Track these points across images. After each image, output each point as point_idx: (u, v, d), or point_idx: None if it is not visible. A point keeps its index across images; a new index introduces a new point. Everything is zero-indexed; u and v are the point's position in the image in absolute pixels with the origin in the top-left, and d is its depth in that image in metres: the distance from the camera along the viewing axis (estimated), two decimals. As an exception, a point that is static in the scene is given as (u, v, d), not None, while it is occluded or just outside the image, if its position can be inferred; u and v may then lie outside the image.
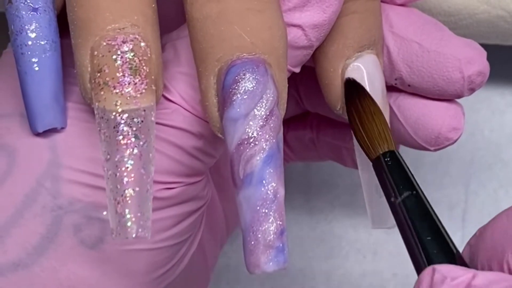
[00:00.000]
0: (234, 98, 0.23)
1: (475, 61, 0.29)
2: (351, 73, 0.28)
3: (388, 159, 0.26)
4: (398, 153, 0.26)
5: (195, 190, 0.27)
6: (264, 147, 0.23)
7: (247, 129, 0.23)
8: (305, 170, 0.42)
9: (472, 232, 0.41)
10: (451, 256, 0.24)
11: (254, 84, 0.23)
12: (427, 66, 0.29)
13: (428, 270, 0.23)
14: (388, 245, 0.41)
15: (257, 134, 0.23)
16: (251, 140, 0.23)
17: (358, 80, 0.28)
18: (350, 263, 0.41)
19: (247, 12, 0.24)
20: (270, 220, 0.23)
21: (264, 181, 0.23)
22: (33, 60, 0.25)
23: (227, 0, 0.24)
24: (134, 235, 0.22)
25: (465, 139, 0.42)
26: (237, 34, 0.24)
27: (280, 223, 0.23)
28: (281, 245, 0.23)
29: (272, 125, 0.23)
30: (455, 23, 0.37)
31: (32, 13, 0.25)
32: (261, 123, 0.23)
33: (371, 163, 0.27)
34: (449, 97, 0.29)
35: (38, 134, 0.26)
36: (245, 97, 0.23)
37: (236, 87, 0.23)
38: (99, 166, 0.23)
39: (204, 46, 0.24)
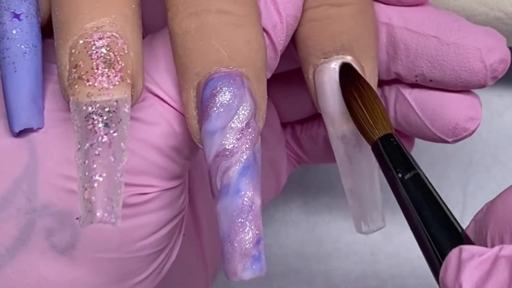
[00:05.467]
0: (211, 111, 0.24)
1: (495, 49, 0.29)
2: (317, 76, 0.28)
3: (393, 139, 0.26)
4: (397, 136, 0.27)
5: (170, 196, 0.27)
6: (240, 158, 0.23)
7: (223, 142, 0.24)
8: (303, 172, 0.42)
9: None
10: (456, 233, 0.25)
11: (230, 97, 0.24)
12: (448, 59, 0.29)
13: (455, 251, 0.23)
14: (385, 247, 0.41)
15: (233, 146, 0.24)
16: (227, 152, 0.23)
17: (322, 80, 0.28)
18: (348, 265, 0.41)
19: (225, 27, 0.24)
20: (246, 230, 0.23)
21: (240, 192, 0.23)
22: (12, 63, 0.26)
23: (206, 15, 0.24)
24: (99, 220, 0.22)
25: (463, 140, 0.42)
26: (215, 48, 0.24)
27: (257, 232, 0.23)
28: (257, 253, 0.23)
29: (248, 137, 0.24)
30: (453, 25, 0.37)
31: (14, 19, 0.26)
32: (238, 136, 0.24)
33: (345, 167, 0.27)
34: (472, 88, 0.29)
35: (18, 136, 0.26)
36: (221, 110, 0.24)
37: (213, 101, 0.24)
38: (75, 168, 0.24)
39: (184, 60, 0.24)
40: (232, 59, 0.24)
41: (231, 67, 0.24)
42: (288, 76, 0.34)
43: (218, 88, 0.24)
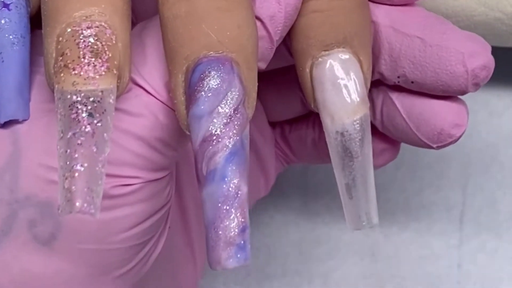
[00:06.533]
0: (199, 95, 0.23)
1: (478, 54, 0.28)
2: (316, 69, 0.27)
3: None
4: None
5: (155, 188, 0.27)
6: (227, 144, 0.23)
7: (210, 127, 0.23)
8: (303, 172, 0.42)
9: (470, 234, 0.41)
10: None
11: (218, 82, 0.23)
12: (430, 61, 0.29)
13: None
14: (385, 247, 0.41)
15: (221, 131, 0.23)
16: (214, 137, 0.23)
17: (322, 73, 0.27)
18: (347, 265, 0.41)
19: (216, 11, 0.24)
20: (232, 217, 0.23)
21: (226, 178, 0.23)
22: (0, 53, 0.26)
23: None
24: (78, 210, 0.22)
25: (463, 140, 0.41)
26: (205, 32, 0.24)
27: (242, 220, 0.23)
28: (242, 242, 0.22)
29: (236, 122, 0.23)
30: (452, 25, 0.37)
31: (3, 9, 0.26)
32: (225, 121, 0.23)
33: (343, 162, 0.27)
34: (453, 93, 0.29)
35: (2, 127, 0.26)
36: (209, 94, 0.23)
37: (201, 85, 0.23)
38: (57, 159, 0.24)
39: (174, 45, 0.24)
40: (222, 43, 0.24)
41: (220, 52, 0.24)
42: (278, 74, 0.34)
43: (207, 72, 0.24)
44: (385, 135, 0.33)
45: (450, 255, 0.40)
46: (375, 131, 0.33)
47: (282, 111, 0.36)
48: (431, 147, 0.30)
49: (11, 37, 0.26)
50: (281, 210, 0.42)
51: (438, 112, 0.30)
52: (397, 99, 0.30)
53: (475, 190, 0.41)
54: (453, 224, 0.41)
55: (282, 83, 0.34)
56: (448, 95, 0.29)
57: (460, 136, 0.30)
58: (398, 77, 0.29)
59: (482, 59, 0.28)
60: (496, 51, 0.40)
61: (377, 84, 0.31)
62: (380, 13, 0.29)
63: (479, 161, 0.42)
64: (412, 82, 0.29)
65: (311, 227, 0.41)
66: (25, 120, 0.26)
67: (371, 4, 0.29)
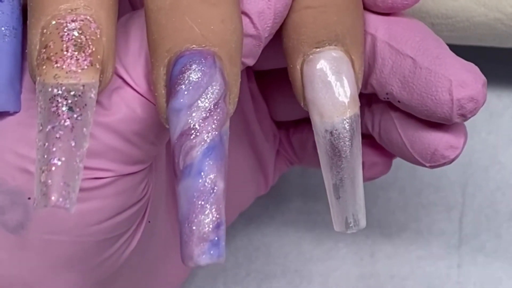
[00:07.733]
0: (179, 88, 0.23)
1: (467, 85, 0.27)
2: (306, 66, 0.27)
3: None
4: None
5: (128, 182, 0.27)
6: (205, 139, 0.23)
7: (189, 120, 0.23)
8: (303, 171, 0.42)
9: (470, 235, 0.41)
10: None
11: (199, 76, 0.23)
12: (417, 83, 0.28)
13: None
14: (385, 247, 0.41)
15: (199, 125, 0.23)
16: (193, 131, 0.23)
17: (313, 70, 0.27)
18: (347, 265, 0.41)
19: (201, 5, 0.24)
20: (206, 212, 0.22)
21: (202, 173, 0.22)
22: None
23: None
24: (53, 204, 0.22)
25: (463, 141, 0.42)
26: (188, 25, 0.24)
27: (217, 216, 0.22)
28: (216, 238, 0.22)
29: (216, 117, 0.23)
30: (452, 26, 0.37)
31: None
32: (204, 115, 0.23)
33: (331, 161, 0.27)
34: (438, 120, 0.28)
35: None
36: (189, 88, 0.23)
37: (182, 78, 0.23)
38: (32, 149, 0.23)
39: (156, 37, 0.24)
40: (205, 37, 0.24)
41: (203, 46, 0.24)
42: (283, 74, 0.33)
43: (188, 65, 0.23)
44: (379, 149, 0.32)
45: (449, 255, 0.40)
46: (369, 143, 0.33)
47: (286, 111, 0.35)
48: (424, 166, 0.30)
49: (3, 28, 0.26)
50: (281, 210, 0.42)
51: (434, 132, 0.29)
52: (395, 113, 0.30)
53: (475, 190, 0.41)
54: (452, 224, 0.41)
55: (287, 83, 0.34)
56: (433, 121, 0.29)
57: (455, 158, 0.29)
58: (387, 93, 0.29)
59: (471, 90, 0.28)
60: (496, 51, 0.40)
61: (378, 98, 0.30)
62: (381, 27, 0.29)
63: (479, 161, 0.42)
64: (399, 102, 0.29)
65: (311, 227, 0.42)
66: (16, 112, 0.26)
67: (373, 16, 0.29)
